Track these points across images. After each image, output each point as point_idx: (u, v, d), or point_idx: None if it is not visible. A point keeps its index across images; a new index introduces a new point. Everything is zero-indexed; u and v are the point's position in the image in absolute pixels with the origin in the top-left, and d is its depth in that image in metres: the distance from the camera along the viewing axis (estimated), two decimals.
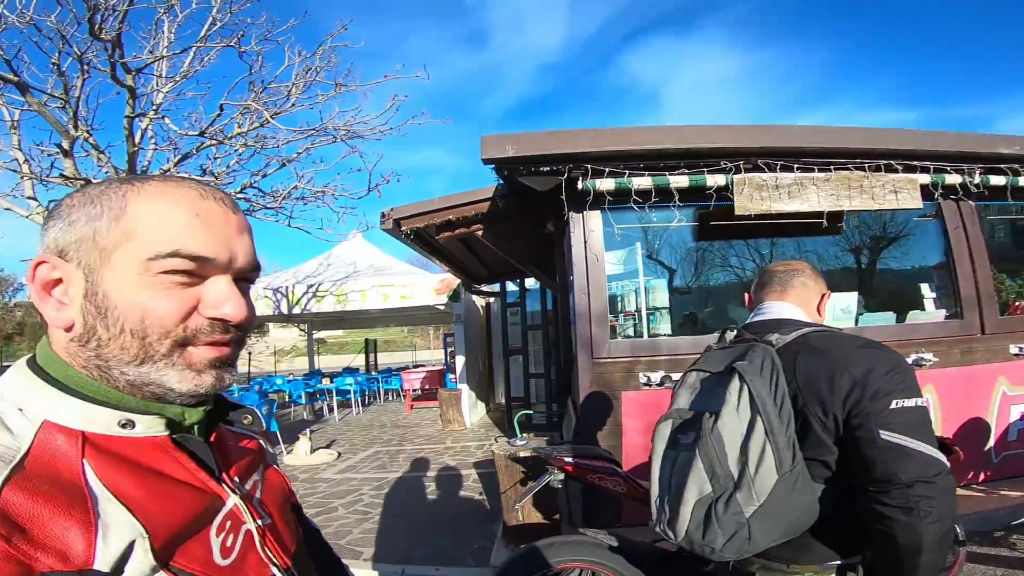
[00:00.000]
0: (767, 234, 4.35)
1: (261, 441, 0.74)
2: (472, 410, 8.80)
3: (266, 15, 5.03)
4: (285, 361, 32.18)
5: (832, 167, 3.36)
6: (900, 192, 3.36)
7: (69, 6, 4.29)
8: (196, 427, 0.60)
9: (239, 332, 0.58)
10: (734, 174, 3.27)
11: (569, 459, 2.32)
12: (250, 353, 20.80)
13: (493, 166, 3.37)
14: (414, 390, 11.35)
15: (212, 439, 0.62)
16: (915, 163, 3.39)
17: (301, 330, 15.49)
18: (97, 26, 4.20)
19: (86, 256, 0.53)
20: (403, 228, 4.67)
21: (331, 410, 10.53)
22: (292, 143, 5.54)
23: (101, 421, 0.53)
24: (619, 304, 3.72)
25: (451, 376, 10.42)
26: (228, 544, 0.58)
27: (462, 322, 8.77)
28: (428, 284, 8.90)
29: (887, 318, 3.68)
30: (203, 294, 0.55)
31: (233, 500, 0.60)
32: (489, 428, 8.36)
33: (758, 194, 3.29)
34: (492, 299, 10.07)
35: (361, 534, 4.07)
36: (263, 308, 8.14)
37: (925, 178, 3.39)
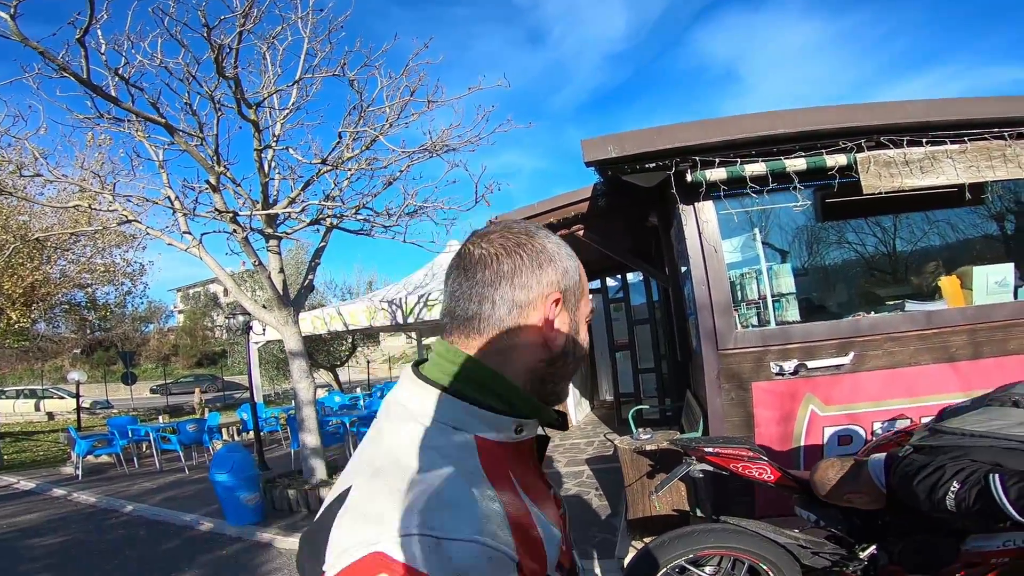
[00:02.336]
0: (892, 209, 4.01)
1: None
2: (577, 408, 8.83)
3: (359, 41, 5.35)
4: (397, 367, 34.20)
5: (966, 139, 3.06)
6: None
7: (189, 50, 4.65)
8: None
9: None
10: (856, 152, 3.09)
11: (710, 449, 2.31)
12: (368, 361, 22.33)
13: (595, 168, 3.41)
14: None
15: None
16: None
17: (409, 337, 16.38)
18: (221, 64, 4.55)
19: (572, 299, 0.67)
20: None
21: None
22: (395, 163, 5.84)
23: (505, 428, 0.60)
24: (739, 292, 3.60)
25: None
26: (566, 532, 0.66)
27: None
28: None
29: None
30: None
31: (553, 490, 0.69)
32: (596, 425, 8.35)
33: (886, 171, 3.09)
34: (591, 296, 10.03)
35: None
36: (381, 319, 8.73)
37: None
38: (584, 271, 0.70)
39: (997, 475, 1.38)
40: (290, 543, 4.83)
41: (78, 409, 12.96)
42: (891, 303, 3.53)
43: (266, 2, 4.68)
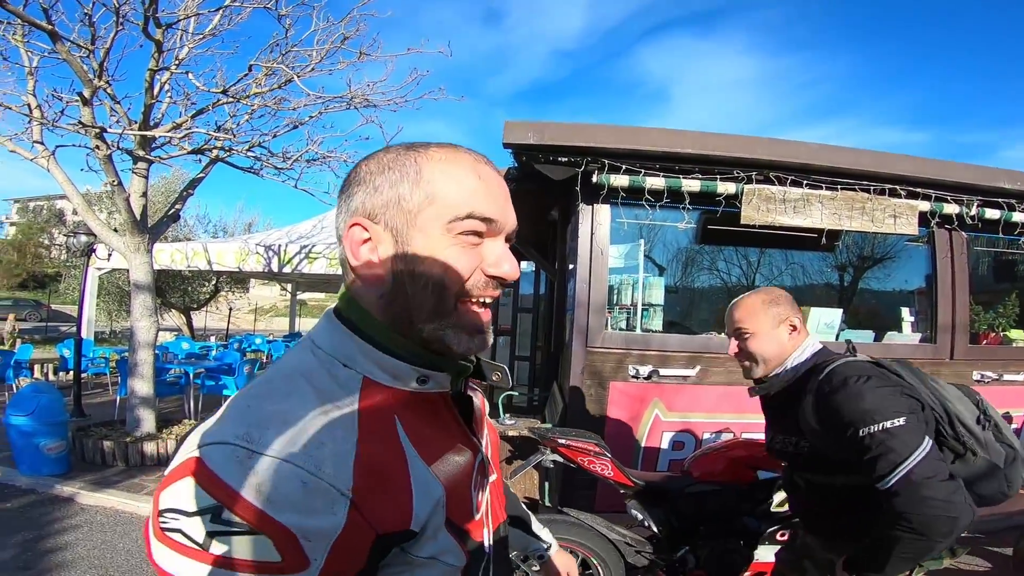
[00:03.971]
0: (760, 243, 4.45)
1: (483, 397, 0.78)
2: None
3: None
4: (264, 320, 31.83)
5: (839, 186, 3.45)
6: (899, 217, 3.46)
7: None
8: (459, 380, 0.63)
9: (502, 292, 0.62)
10: (745, 183, 3.34)
11: (563, 440, 2.40)
12: (231, 309, 20.55)
13: (512, 151, 3.38)
14: None
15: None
16: (918, 190, 3.49)
17: (284, 289, 15.33)
18: None
19: (393, 219, 0.57)
20: None
21: None
22: (308, 107, 5.51)
23: (404, 376, 0.56)
24: (615, 297, 3.79)
25: None
26: (479, 499, 0.63)
27: None
28: None
29: (866, 336, 3.82)
30: (484, 253, 0.59)
31: (481, 454, 0.64)
32: None
33: (765, 205, 3.37)
34: None
35: None
36: (252, 264, 8.05)
37: (925, 205, 3.49)
38: (436, 172, 0.58)
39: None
40: (97, 499, 4.28)
41: None
42: None
43: None
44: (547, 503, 3.44)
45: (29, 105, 4.97)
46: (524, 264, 8.42)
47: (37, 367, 9.58)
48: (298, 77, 5.04)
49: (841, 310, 3.85)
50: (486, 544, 0.63)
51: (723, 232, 3.57)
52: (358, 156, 5.82)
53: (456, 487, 0.57)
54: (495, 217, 0.58)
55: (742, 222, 3.34)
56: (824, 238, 3.49)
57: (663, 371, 3.35)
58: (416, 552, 0.52)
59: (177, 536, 0.44)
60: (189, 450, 0.46)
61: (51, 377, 9.78)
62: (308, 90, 5.18)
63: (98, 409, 7.30)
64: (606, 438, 3.23)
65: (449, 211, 0.57)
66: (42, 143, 5.00)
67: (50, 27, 4.27)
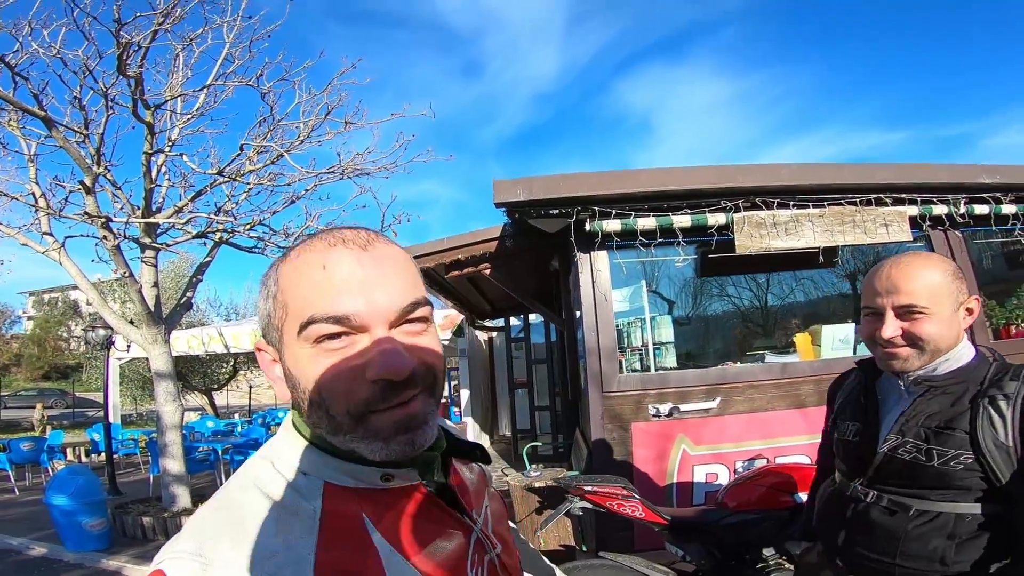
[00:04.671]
0: (765, 268, 4.50)
1: (482, 467, 0.76)
2: (478, 441, 8.78)
3: (283, 54, 5.18)
4: None
5: (825, 203, 3.54)
6: (890, 225, 3.53)
7: (94, 42, 4.34)
8: (431, 469, 0.59)
9: (419, 383, 0.52)
10: (734, 212, 3.44)
11: (589, 487, 2.41)
12: (251, 386, 20.67)
13: (504, 209, 3.53)
14: None
15: (452, 475, 0.63)
16: (904, 196, 3.56)
17: None
18: (124, 62, 4.28)
19: (271, 337, 0.56)
20: None
21: None
22: (303, 181, 5.62)
23: (367, 478, 0.54)
24: (625, 339, 3.83)
25: (455, 410, 10.43)
26: None
27: (467, 357, 8.85)
28: (435, 320, 8.98)
29: None
30: (361, 356, 0.50)
31: (476, 533, 0.61)
32: (495, 460, 8.33)
33: (757, 232, 3.45)
34: (495, 333, 10.16)
35: None
36: None
37: (913, 210, 3.56)
38: (285, 276, 0.53)
39: None
40: (142, 572, 4.30)
41: None
42: (753, 355, 3.93)
43: (192, 2, 4.48)
44: (584, 548, 3.38)
45: (33, 194, 5.07)
46: (533, 316, 8.51)
47: (69, 450, 10.02)
48: (287, 153, 5.18)
49: (854, 324, 3.85)
50: None
51: (723, 261, 3.63)
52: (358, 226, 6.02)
53: (448, 573, 0.55)
54: (346, 312, 0.49)
55: (737, 252, 3.42)
56: (822, 255, 3.54)
57: (683, 407, 3.35)
58: None
59: None
60: (157, 561, 0.47)
61: (83, 459, 10.18)
62: (298, 166, 5.32)
63: (132, 487, 7.56)
64: (635, 479, 3.21)
65: (294, 320, 0.51)
66: (51, 234, 5.12)
67: (43, 113, 4.36)
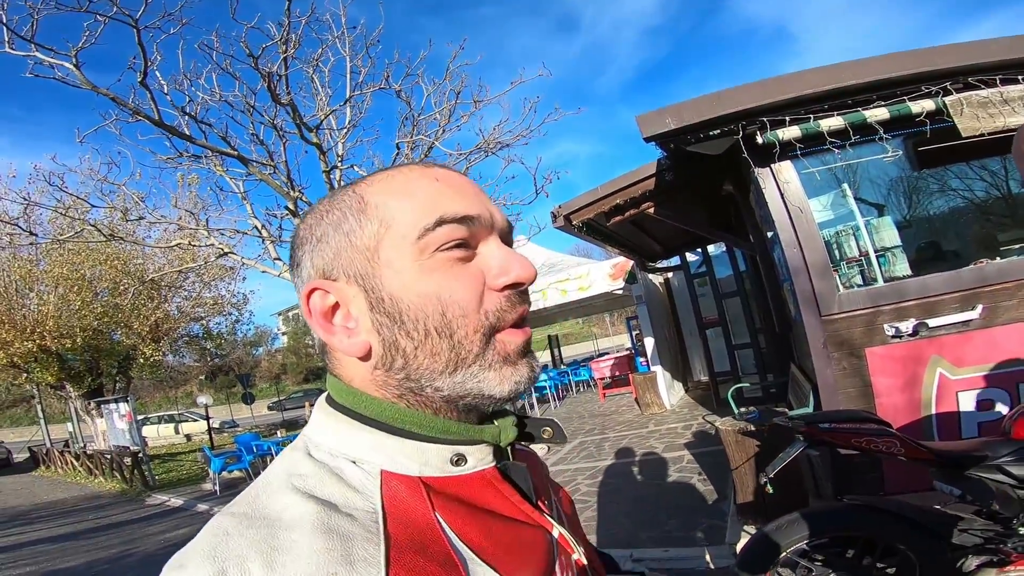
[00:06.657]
0: (994, 151, 3.53)
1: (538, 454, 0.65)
2: (670, 391, 8.55)
3: (397, 52, 5.60)
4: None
5: None
6: None
7: (243, 82, 4.89)
8: (504, 450, 0.51)
9: (528, 299, 0.49)
10: (944, 96, 2.75)
11: (825, 424, 2.12)
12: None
13: (656, 143, 3.26)
14: (604, 378, 11.43)
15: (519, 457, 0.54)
16: None
17: None
18: (274, 92, 4.71)
19: (351, 265, 0.45)
20: (574, 222, 4.75)
21: (531, 407, 11.13)
22: (456, 165, 5.88)
23: (435, 461, 0.45)
24: (836, 252, 3.29)
25: (641, 360, 10.26)
26: None
27: (644, 303, 8.58)
28: (602, 271, 8.89)
29: None
30: (484, 266, 0.46)
31: (557, 530, 0.51)
32: (693, 407, 8.03)
33: (984, 112, 2.75)
34: (670, 274, 9.68)
35: (584, 522, 4.23)
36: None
37: None
38: (381, 193, 0.47)
39: None
40: None
41: (209, 430, 14.36)
42: (1008, 250, 3.09)
43: (301, 26, 4.85)
44: (819, 494, 3.05)
45: (256, 227, 5.85)
46: (712, 248, 7.88)
47: None
48: (437, 141, 5.52)
49: None
50: None
51: (944, 151, 2.95)
52: (511, 198, 6.17)
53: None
54: (474, 213, 0.46)
55: (964, 135, 2.73)
56: None
57: (932, 322, 2.76)
58: None
59: None
60: None
61: None
62: (447, 150, 5.66)
63: None
64: (880, 412, 2.77)
65: (413, 227, 0.44)
66: (280, 259, 5.90)
67: (235, 152, 4.92)
